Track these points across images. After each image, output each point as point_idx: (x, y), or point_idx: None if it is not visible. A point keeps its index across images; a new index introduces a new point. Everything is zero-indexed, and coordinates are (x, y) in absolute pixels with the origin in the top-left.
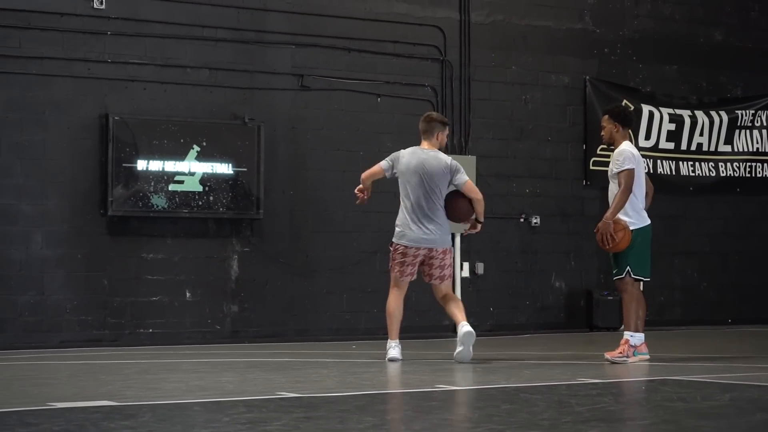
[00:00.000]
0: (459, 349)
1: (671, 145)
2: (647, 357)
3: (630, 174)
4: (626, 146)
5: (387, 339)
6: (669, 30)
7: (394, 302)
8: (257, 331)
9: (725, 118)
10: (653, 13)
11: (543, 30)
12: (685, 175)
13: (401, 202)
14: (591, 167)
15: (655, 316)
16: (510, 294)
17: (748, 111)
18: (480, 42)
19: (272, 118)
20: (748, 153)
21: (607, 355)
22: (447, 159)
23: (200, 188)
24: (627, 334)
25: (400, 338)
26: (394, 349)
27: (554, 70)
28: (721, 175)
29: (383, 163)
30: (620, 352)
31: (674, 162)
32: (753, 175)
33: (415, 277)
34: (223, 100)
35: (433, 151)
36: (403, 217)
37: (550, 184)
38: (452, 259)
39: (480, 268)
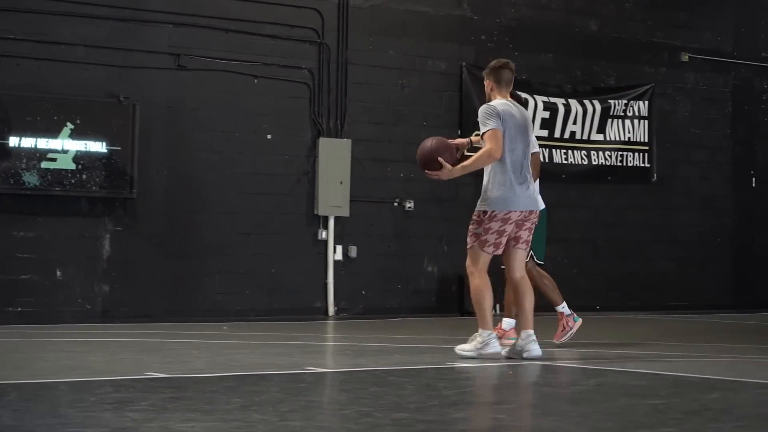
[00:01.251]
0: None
1: (545, 133)
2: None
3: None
4: None
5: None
6: (546, 19)
7: (486, 285)
8: (128, 311)
9: (598, 107)
10: (531, 2)
11: (421, 16)
12: (558, 163)
13: (495, 163)
14: (465, 152)
15: None
16: (382, 278)
17: (620, 101)
18: (358, 26)
19: (148, 98)
20: (620, 142)
21: (555, 339)
22: None
23: (73, 166)
24: (558, 309)
25: (274, 320)
26: (496, 341)
27: (431, 56)
28: (593, 163)
29: (495, 124)
30: (563, 329)
31: (548, 150)
32: (624, 164)
33: None
34: (99, 78)
35: (514, 102)
36: (502, 179)
37: None
38: None
39: (353, 251)
